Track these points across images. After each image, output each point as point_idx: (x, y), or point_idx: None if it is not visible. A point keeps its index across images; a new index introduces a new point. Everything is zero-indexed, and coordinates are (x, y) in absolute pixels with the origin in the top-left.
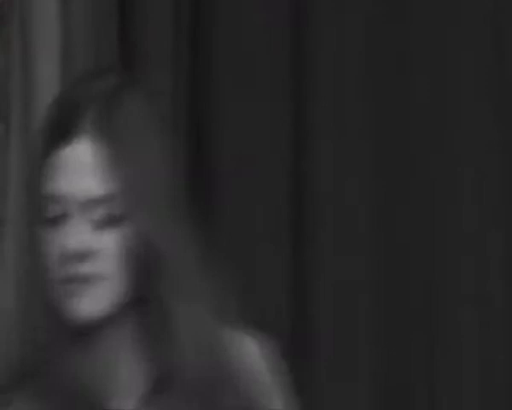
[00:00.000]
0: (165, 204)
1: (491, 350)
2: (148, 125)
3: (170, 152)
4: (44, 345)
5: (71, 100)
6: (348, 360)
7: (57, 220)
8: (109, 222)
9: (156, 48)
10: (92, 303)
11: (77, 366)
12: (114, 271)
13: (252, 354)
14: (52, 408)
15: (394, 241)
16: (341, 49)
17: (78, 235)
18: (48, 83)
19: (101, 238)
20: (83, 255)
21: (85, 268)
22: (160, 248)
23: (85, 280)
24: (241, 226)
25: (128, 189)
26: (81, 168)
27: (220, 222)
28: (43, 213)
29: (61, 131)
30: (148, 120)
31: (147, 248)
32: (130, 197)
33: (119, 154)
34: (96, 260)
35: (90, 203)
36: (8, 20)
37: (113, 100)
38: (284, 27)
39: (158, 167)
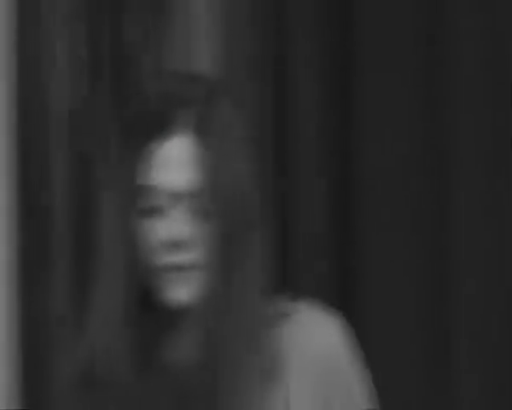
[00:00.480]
0: (243, 208)
1: None
2: (237, 133)
3: (253, 160)
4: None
5: (169, 97)
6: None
7: (154, 211)
8: (201, 215)
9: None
10: (187, 291)
11: (167, 344)
12: (205, 261)
13: (326, 336)
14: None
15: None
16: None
17: (176, 225)
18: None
19: (194, 229)
20: (180, 245)
21: (182, 257)
22: (230, 249)
23: (182, 269)
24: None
25: (216, 187)
26: (179, 162)
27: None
28: (137, 203)
29: (159, 125)
30: (237, 127)
31: (221, 245)
32: (216, 195)
33: (211, 153)
34: (191, 251)
35: (186, 196)
36: (168, 11)
37: (210, 103)
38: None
39: (242, 172)
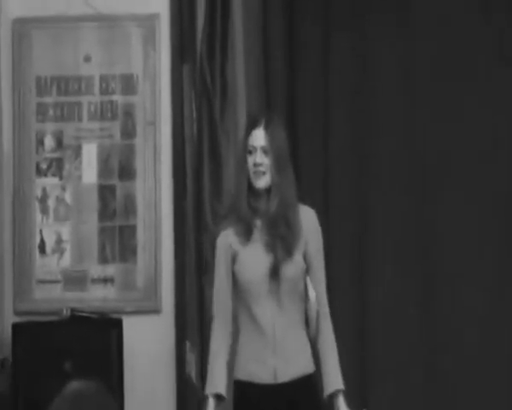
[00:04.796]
0: (285, 157)
1: None
2: (279, 127)
3: (287, 142)
4: (239, 198)
5: (257, 114)
6: None
7: (252, 152)
8: (266, 153)
9: None
10: (263, 182)
11: (252, 208)
12: (269, 170)
13: (311, 213)
14: (239, 228)
15: None
16: None
17: (259, 157)
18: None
19: (265, 158)
20: (260, 164)
21: (261, 168)
22: (277, 170)
23: (261, 173)
24: None
25: (271, 145)
26: (260, 137)
27: None
28: (247, 150)
29: (254, 124)
30: (280, 125)
31: (274, 166)
32: (271, 148)
33: (270, 135)
34: (263, 166)
35: (262, 147)
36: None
37: (270, 118)
38: None
39: (281, 139)
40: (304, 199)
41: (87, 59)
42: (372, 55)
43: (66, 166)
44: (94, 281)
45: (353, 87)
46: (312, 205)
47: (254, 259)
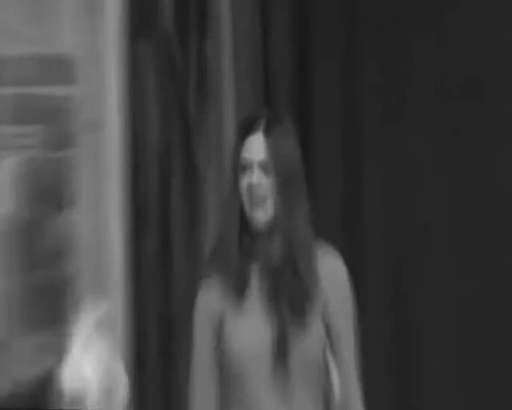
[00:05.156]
0: (295, 176)
1: None
2: (281, 134)
3: (300, 154)
4: (227, 236)
5: (253, 113)
6: None
7: (246, 169)
8: (267, 171)
9: None
10: (263, 214)
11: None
12: (271, 196)
13: (334, 258)
14: (229, 281)
15: None
16: None
17: (257, 176)
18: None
19: (265, 179)
20: (259, 186)
21: (259, 193)
22: (283, 196)
23: (260, 200)
24: None
25: (274, 159)
26: (258, 146)
27: None
28: (238, 166)
29: (249, 128)
30: (283, 132)
31: (279, 190)
32: (274, 163)
33: (272, 145)
34: (264, 189)
35: (261, 162)
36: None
37: (273, 119)
38: None
39: (286, 152)
40: (322, 233)
41: (3, 34)
42: (396, 44)
43: None
44: (13, 359)
45: (382, 75)
46: (332, 238)
47: (250, 326)
